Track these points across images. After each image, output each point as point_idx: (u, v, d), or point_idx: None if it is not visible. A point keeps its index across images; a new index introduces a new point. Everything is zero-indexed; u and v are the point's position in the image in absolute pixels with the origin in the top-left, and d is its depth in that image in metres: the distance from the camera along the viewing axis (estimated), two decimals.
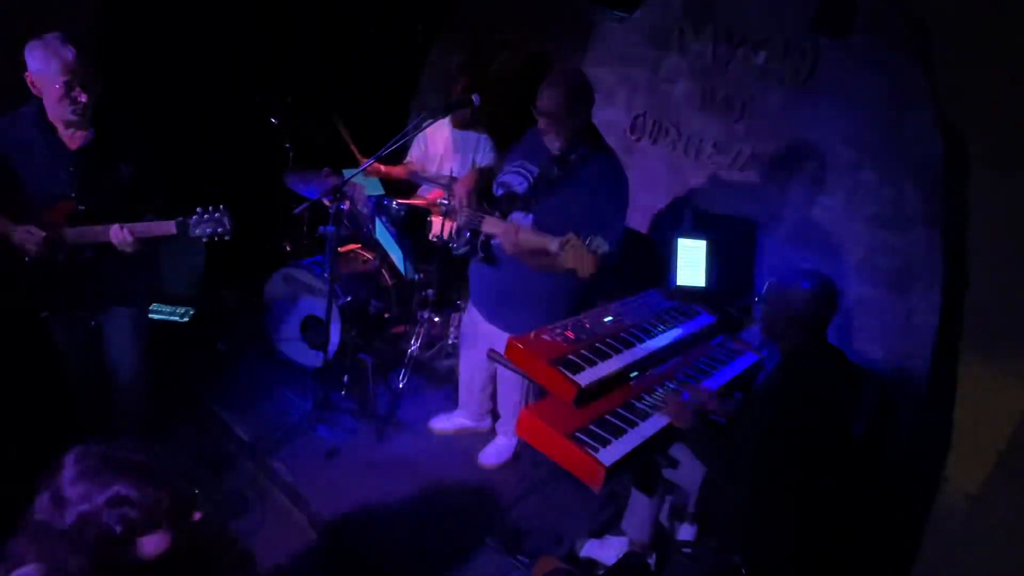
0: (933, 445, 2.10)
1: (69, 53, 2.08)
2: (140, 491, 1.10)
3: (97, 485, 1.08)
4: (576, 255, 2.27)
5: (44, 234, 2.23)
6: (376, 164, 3.65)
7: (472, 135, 3.79)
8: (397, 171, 3.91)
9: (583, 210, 2.53)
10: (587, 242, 2.25)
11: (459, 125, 3.77)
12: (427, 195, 3.96)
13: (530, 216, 2.67)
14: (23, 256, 2.27)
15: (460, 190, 2.88)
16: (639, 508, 2.60)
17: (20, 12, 2.70)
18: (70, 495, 1.08)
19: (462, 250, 2.88)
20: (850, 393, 2.19)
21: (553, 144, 2.65)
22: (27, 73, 2.12)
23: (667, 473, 2.48)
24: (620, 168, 2.68)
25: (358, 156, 3.82)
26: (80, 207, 2.28)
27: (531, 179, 2.71)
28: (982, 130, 1.84)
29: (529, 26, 4.34)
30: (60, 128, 2.24)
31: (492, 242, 2.77)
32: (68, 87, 2.11)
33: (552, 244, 2.37)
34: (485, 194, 2.85)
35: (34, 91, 2.15)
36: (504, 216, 2.71)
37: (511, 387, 3.06)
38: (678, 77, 3.73)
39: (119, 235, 2.23)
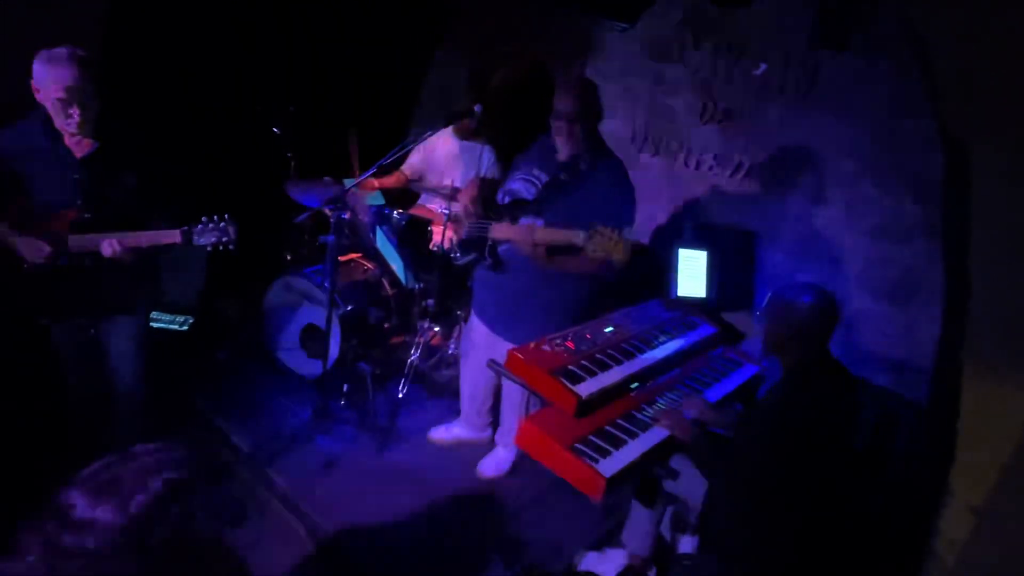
0: (936, 458, 2.09)
1: (69, 72, 2.10)
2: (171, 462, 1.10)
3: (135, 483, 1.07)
4: (606, 243, 2.24)
5: (50, 250, 2.25)
6: (368, 179, 3.67)
7: (476, 145, 3.80)
8: (390, 181, 3.91)
9: (594, 214, 2.49)
10: (615, 230, 2.23)
11: (462, 135, 3.79)
12: (428, 205, 3.97)
13: (540, 221, 2.66)
14: (24, 264, 2.28)
15: (464, 199, 2.88)
16: (639, 520, 2.58)
17: (28, 21, 2.72)
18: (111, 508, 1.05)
19: (465, 260, 2.86)
20: (851, 406, 2.18)
21: (564, 149, 2.67)
22: (32, 80, 2.15)
23: (668, 485, 2.47)
24: (627, 175, 2.70)
25: (356, 168, 3.84)
26: (85, 214, 2.29)
27: (540, 185, 2.72)
28: (983, 140, 1.84)
29: (530, 38, 4.36)
30: (66, 136, 2.26)
31: (499, 248, 2.77)
32: (64, 103, 2.13)
33: (577, 236, 2.34)
34: (489, 202, 2.85)
35: (37, 98, 2.18)
36: (513, 222, 2.71)
37: (513, 398, 3.05)
38: (679, 89, 3.75)
39: (109, 248, 2.24)
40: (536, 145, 2.85)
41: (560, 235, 2.46)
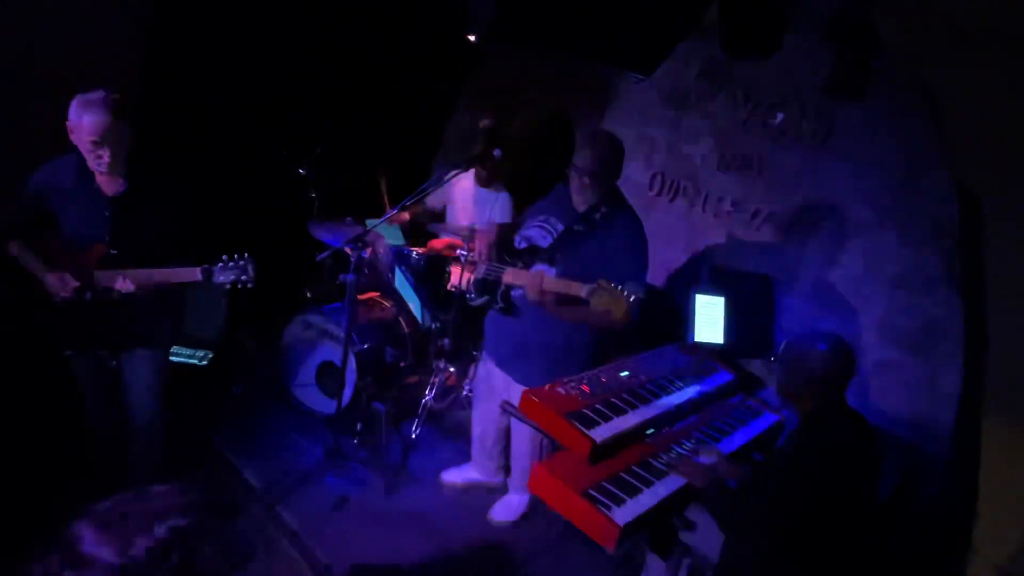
0: (960, 513, 2.01)
1: (102, 117, 2.19)
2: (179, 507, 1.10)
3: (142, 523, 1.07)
4: (607, 299, 2.27)
5: (77, 284, 2.32)
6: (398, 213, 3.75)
7: (492, 193, 3.86)
8: (415, 210, 3.99)
9: (606, 265, 2.53)
10: (618, 287, 2.25)
11: (480, 181, 3.86)
12: (440, 232, 4.01)
13: (553, 269, 2.69)
14: (52, 297, 2.34)
15: (481, 242, 2.92)
16: (655, 572, 2.51)
17: (69, 62, 2.86)
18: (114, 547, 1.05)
19: (479, 301, 2.90)
20: (869, 455, 2.13)
21: (581, 201, 2.70)
22: (67, 121, 2.24)
23: (684, 536, 2.41)
24: (641, 228, 2.72)
25: (387, 205, 3.92)
26: (112, 251, 2.36)
27: (555, 234, 2.75)
28: (997, 189, 1.84)
29: (550, 85, 4.47)
30: (97, 175, 2.34)
31: (512, 293, 2.79)
32: (95, 145, 2.22)
33: (582, 289, 2.37)
34: (506, 247, 2.89)
35: (71, 138, 2.27)
36: (526, 268, 2.74)
37: (525, 441, 3.01)
38: (697, 136, 3.79)
39: (132, 284, 2.30)
40: (554, 193, 2.90)
41: (566, 286, 2.48)
